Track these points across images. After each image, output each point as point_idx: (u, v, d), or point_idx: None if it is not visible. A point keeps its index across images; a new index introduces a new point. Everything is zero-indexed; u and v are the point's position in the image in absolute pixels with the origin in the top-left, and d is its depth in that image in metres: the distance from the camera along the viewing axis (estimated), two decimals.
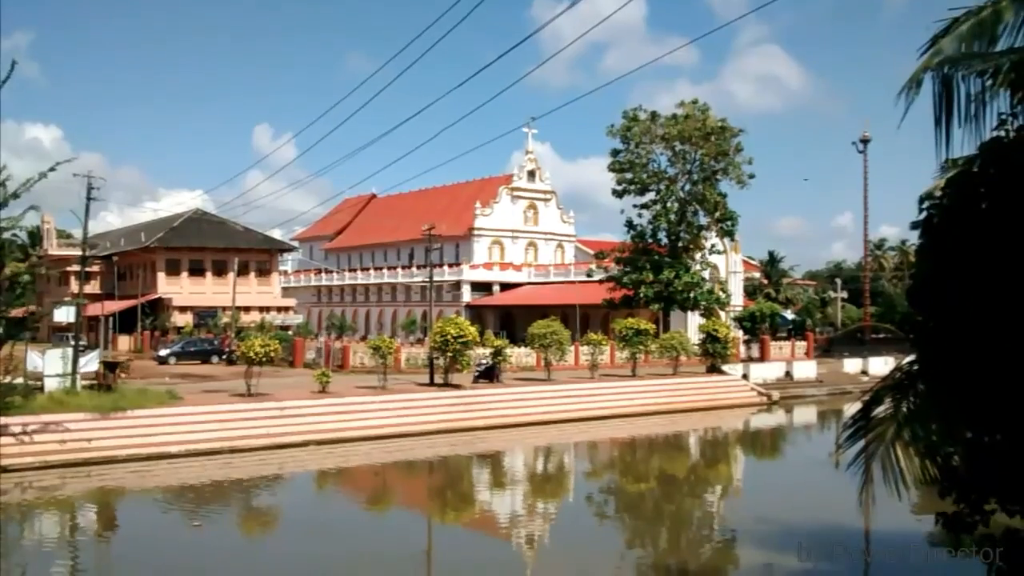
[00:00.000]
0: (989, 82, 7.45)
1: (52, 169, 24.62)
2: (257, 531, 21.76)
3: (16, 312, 37.98)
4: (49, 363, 30.74)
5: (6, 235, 26.73)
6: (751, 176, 54.87)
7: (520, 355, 48.05)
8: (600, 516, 24.08)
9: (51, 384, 30.05)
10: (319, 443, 30.51)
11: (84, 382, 31.19)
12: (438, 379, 39.13)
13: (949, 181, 7.30)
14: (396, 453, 31.42)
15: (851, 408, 7.99)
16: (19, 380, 28.53)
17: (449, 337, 37.24)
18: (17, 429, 25.72)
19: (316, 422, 31.56)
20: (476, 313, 72.92)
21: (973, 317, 6.63)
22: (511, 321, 73.83)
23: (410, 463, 31.23)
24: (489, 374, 40.72)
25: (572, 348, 47.61)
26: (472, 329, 38.67)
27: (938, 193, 7.32)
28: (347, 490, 27.86)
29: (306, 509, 24.21)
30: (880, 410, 7.61)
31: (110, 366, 32.97)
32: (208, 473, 27.00)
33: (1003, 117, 7.29)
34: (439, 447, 32.42)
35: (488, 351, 41.76)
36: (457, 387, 38.05)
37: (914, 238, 8.01)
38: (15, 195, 24.03)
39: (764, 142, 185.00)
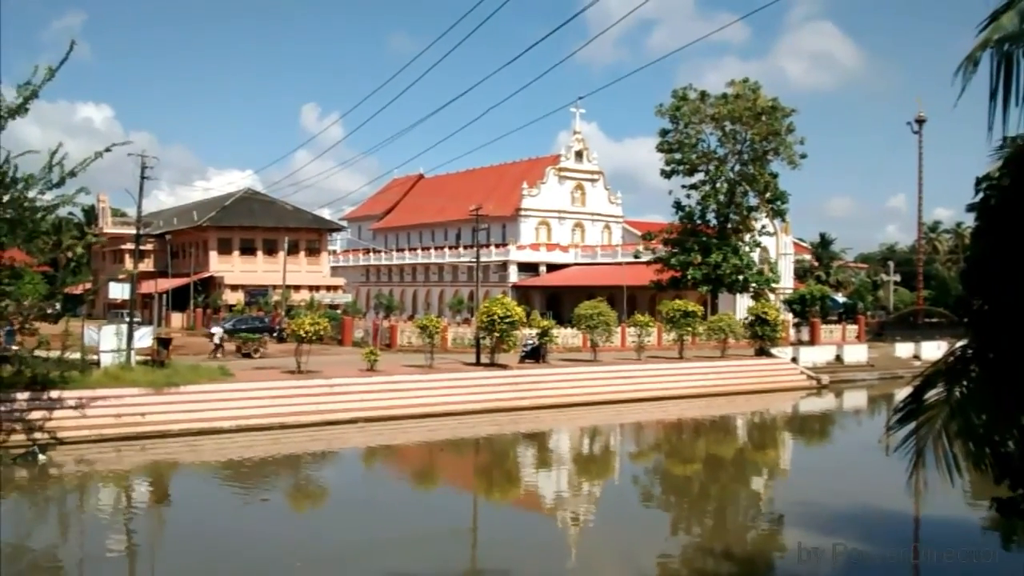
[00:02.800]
0: None
1: (108, 150, 25.04)
2: (305, 506, 22.10)
3: (73, 289, 38.92)
4: (104, 339, 31.44)
5: (63, 213, 27.33)
6: (803, 156, 54.09)
7: (566, 336, 48.03)
8: (646, 498, 24.06)
9: (106, 359, 30.74)
10: (367, 420, 30.86)
11: (138, 358, 31.86)
12: (484, 359, 39.29)
13: (1007, 161, 7.12)
14: (442, 431, 31.68)
15: (902, 392, 7.88)
16: (76, 355, 29.22)
17: (496, 317, 37.33)
18: (74, 403, 26.37)
19: (364, 399, 31.92)
20: (523, 294, 73.00)
21: None
22: (557, 302, 73.81)
23: (456, 442, 31.46)
24: (535, 354, 40.79)
25: (619, 329, 47.46)
26: (518, 309, 38.72)
27: (995, 174, 7.15)
28: (394, 467, 28.15)
29: (354, 485, 24.54)
30: (932, 394, 7.49)
31: (163, 342, 33.64)
32: (258, 448, 27.48)
33: None
34: (485, 426, 32.60)
35: (534, 332, 41.81)
36: (503, 367, 38.19)
37: (970, 221, 7.84)
38: (72, 174, 24.49)
39: (815, 121, 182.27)
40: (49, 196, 24.71)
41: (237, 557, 16.46)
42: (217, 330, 43.89)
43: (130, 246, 53.36)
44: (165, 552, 17.45)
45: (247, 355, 41.32)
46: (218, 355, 40.77)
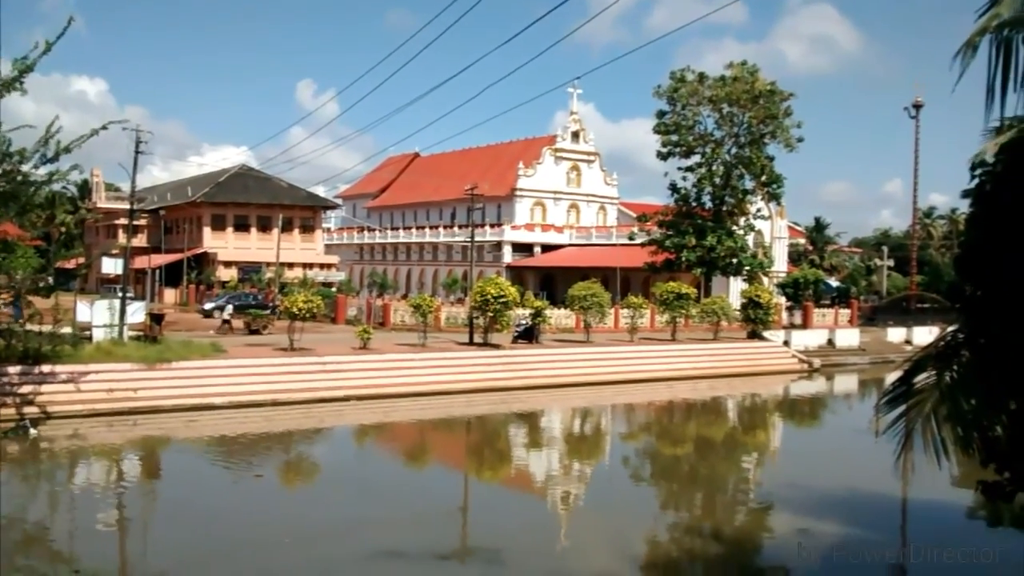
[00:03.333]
0: None
1: (104, 127, 24.92)
2: (297, 483, 22.17)
3: (66, 263, 38.82)
4: (97, 314, 31.37)
5: (56, 187, 27.23)
6: (800, 140, 54.01)
7: (560, 316, 48.07)
8: (636, 478, 24.17)
9: (99, 334, 30.70)
10: (359, 398, 30.90)
11: (131, 333, 31.82)
12: (478, 338, 39.34)
13: (1003, 147, 7.11)
14: (435, 410, 31.74)
15: (892, 377, 7.90)
16: (68, 329, 29.17)
17: (489, 297, 37.35)
18: (66, 378, 26.36)
19: (357, 377, 31.95)
20: (517, 274, 72.98)
21: (1022, 286, 6.50)
22: (551, 282, 73.82)
23: (449, 420, 31.54)
24: (528, 335, 40.85)
25: (612, 311, 47.52)
26: (512, 289, 38.74)
27: (990, 158, 7.15)
28: (386, 445, 28.23)
29: (345, 463, 24.61)
30: (922, 378, 7.53)
31: (156, 318, 33.63)
32: (250, 425, 27.50)
33: None
34: (477, 405, 32.69)
35: (528, 312, 41.84)
36: (496, 347, 38.24)
37: (964, 207, 7.85)
38: (67, 149, 24.37)
39: (812, 104, 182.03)
40: (43, 171, 24.64)
41: (227, 532, 16.53)
42: (228, 307, 44.03)
43: (124, 221, 53.11)
44: (155, 526, 17.50)
45: (255, 331, 41.41)
46: (226, 331, 40.99)
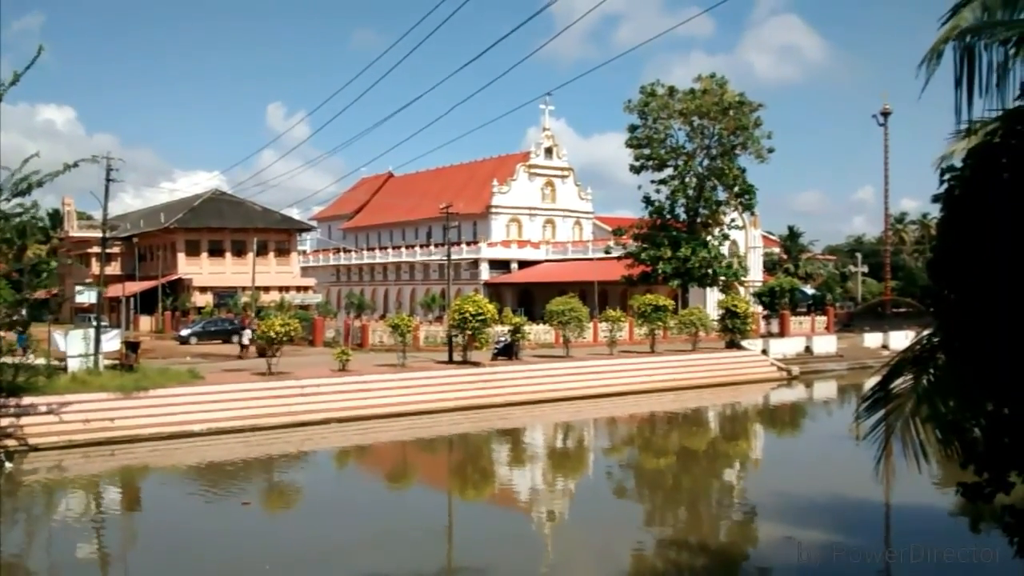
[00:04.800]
0: (1012, 50, 7.34)
1: (76, 164, 24.87)
2: (279, 508, 21.98)
3: (39, 294, 38.40)
4: (72, 344, 31.05)
5: (27, 218, 26.98)
6: (771, 150, 54.60)
7: (539, 332, 48.09)
8: (620, 492, 24.14)
9: (74, 364, 30.38)
10: (340, 421, 30.72)
11: (106, 362, 31.51)
12: (457, 357, 39.24)
13: (970, 152, 7.21)
14: (416, 430, 31.61)
15: (871, 382, 7.95)
16: (42, 360, 28.85)
17: (468, 315, 37.30)
18: (42, 409, 26.04)
19: (336, 400, 31.77)
20: (494, 291, 73.00)
21: (995, 289, 6.57)
22: (529, 298, 73.87)
23: (430, 440, 31.41)
24: (508, 351, 40.82)
25: (591, 325, 47.60)
26: (490, 307, 38.71)
27: (958, 162, 7.25)
28: (368, 467, 28.06)
29: (327, 486, 24.42)
30: (899, 382, 7.58)
31: (132, 346, 33.32)
32: (230, 451, 27.26)
33: None
34: (459, 424, 32.57)
35: (507, 328, 41.81)
36: (476, 364, 38.16)
37: (935, 211, 7.94)
38: (39, 184, 24.22)
39: (782, 114, 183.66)
40: (11, 204, 24.46)
41: (207, 561, 16.34)
42: (246, 332, 43.91)
43: (96, 250, 52.69)
44: (136, 557, 17.28)
45: (265, 355, 41.20)
46: (244, 355, 41.66)
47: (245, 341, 43.30)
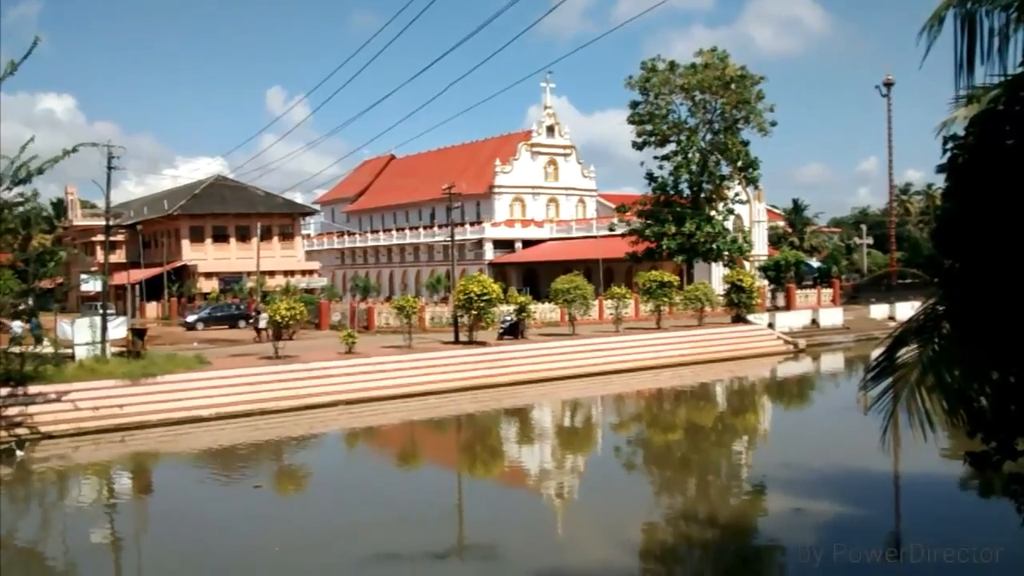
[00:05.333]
0: (1014, 15, 7.27)
1: (75, 150, 24.87)
2: (290, 491, 22.10)
3: (45, 283, 38.50)
4: (78, 332, 31.14)
5: (31, 207, 27.04)
6: (773, 124, 54.35)
7: (544, 311, 48.10)
8: (628, 467, 24.22)
9: (81, 353, 30.47)
10: (347, 403, 30.83)
11: (113, 349, 31.61)
12: (463, 337, 39.29)
13: (973, 120, 7.16)
14: (423, 411, 31.70)
15: (876, 352, 7.95)
16: (49, 349, 28.97)
17: (473, 295, 37.31)
18: (52, 397, 26.18)
19: (344, 382, 31.86)
20: (499, 270, 73.00)
21: (999, 257, 6.55)
22: (534, 277, 73.87)
23: (438, 420, 31.53)
24: (514, 330, 40.85)
25: (596, 302, 47.60)
26: (495, 286, 38.71)
27: (960, 130, 7.21)
28: (377, 448, 28.18)
29: (337, 468, 24.54)
30: (905, 352, 7.58)
31: (138, 333, 33.42)
32: (239, 436, 27.40)
33: None
34: (466, 404, 32.67)
35: (512, 308, 41.83)
36: (482, 344, 38.23)
37: (940, 182, 7.92)
38: (39, 171, 24.23)
39: (784, 87, 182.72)
40: (12, 193, 24.50)
41: (222, 544, 16.45)
42: (263, 316, 43.87)
43: (100, 238, 52.71)
44: (149, 542, 17.40)
45: (281, 338, 41.50)
46: (260, 339, 41.27)
47: (262, 325, 43.16)
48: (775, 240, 78.08)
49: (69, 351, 30.35)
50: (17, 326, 30.20)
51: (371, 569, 14.60)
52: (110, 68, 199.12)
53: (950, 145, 7.19)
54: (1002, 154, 6.56)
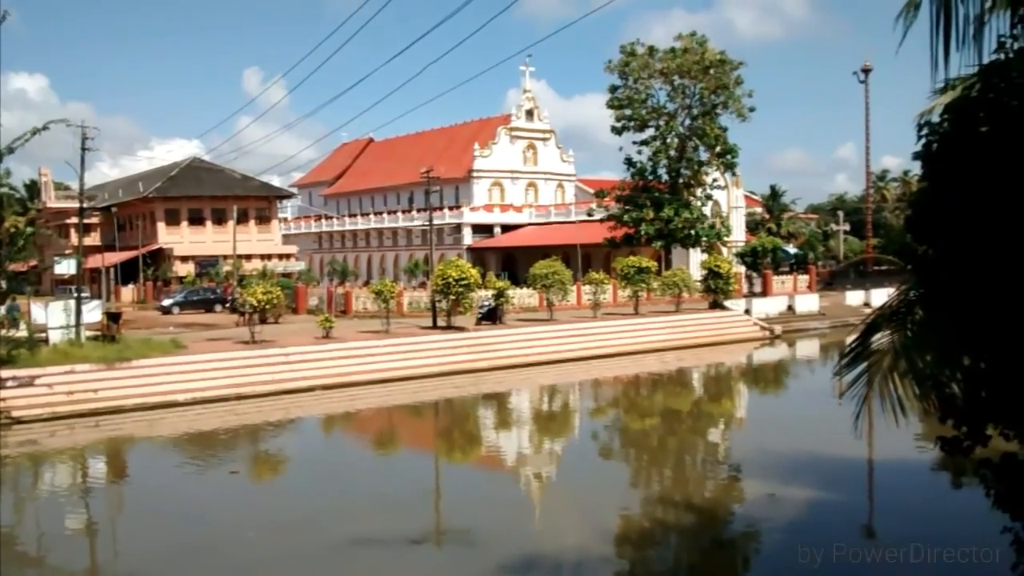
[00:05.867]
0: (988, 3, 7.28)
1: (46, 127, 24.56)
2: (267, 476, 22.03)
3: (18, 266, 38.08)
4: (52, 315, 30.86)
5: (3, 190, 26.71)
6: (752, 109, 54.37)
7: (522, 296, 48.12)
8: (605, 453, 24.31)
9: (55, 336, 30.21)
10: (324, 388, 30.75)
11: (88, 333, 31.34)
12: (441, 322, 39.24)
13: (948, 107, 7.18)
14: (401, 396, 31.67)
15: (851, 338, 7.99)
16: (23, 333, 28.69)
17: (451, 280, 37.25)
18: (25, 381, 25.93)
19: (321, 367, 31.75)
20: (478, 255, 72.89)
21: (973, 244, 6.59)
22: (513, 262, 73.81)
23: (416, 405, 31.50)
24: (492, 316, 40.85)
25: (574, 288, 47.67)
26: (474, 271, 38.67)
27: (936, 119, 7.22)
28: (354, 433, 28.13)
29: (314, 453, 24.50)
30: (878, 338, 7.62)
31: (113, 317, 33.15)
32: (215, 420, 27.25)
33: (1002, 39, 7.13)
34: (444, 389, 32.65)
35: (490, 293, 41.82)
36: (460, 329, 38.20)
37: (916, 168, 7.93)
38: (10, 150, 23.90)
39: (763, 72, 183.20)
40: None
41: (197, 530, 16.36)
42: (249, 300, 43.64)
43: (75, 220, 52.19)
44: (124, 528, 17.33)
45: (263, 321, 41.16)
46: (243, 323, 40.64)
47: (247, 309, 42.74)
48: (752, 226, 78.38)
49: (43, 335, 30.07)
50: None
51: (346, 553, 14.60)
52: (84, 48, 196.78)
53: (925, 132, 7.22)
54: (976, 141, 6.59)
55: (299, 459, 23.57)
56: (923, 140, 7.23)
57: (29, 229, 33.35)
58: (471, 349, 36.04)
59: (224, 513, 17.52)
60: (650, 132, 55.74)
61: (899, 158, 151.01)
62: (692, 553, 15.26)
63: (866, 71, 65.74)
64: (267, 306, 33.45)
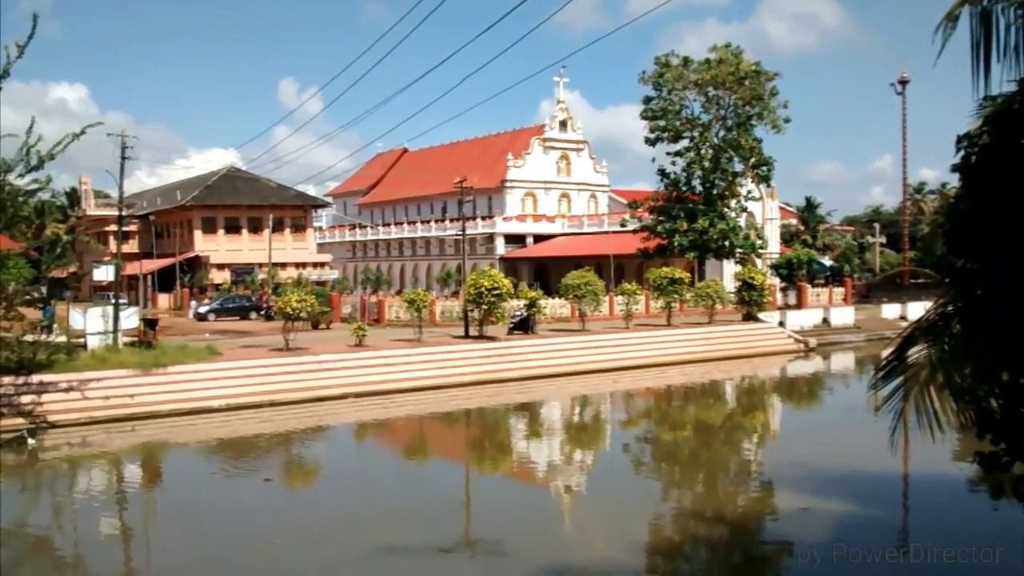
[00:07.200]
0: None
1: (83, 132, 24.87)
2: (300, 484, 22.15)
3: (58, 272, 38.70)
4: (90, 321, 31.29)
5: (45, 197, 27.18)
6: (787, 120, 54.07)
7: (554, 306, 48.08)
8: (636, 464, 24.19)
9: (93, 342, 30.61)
10: (357, 396, 30.89)
11: (125, 339, 31.74)
12: (473, 331, 39.31)
13: (987, 119, 7.10)
14: (433, 405, 31.74)
15: (887, 352, 7.89)
16: (62, 338, 29.11)
17: (483, 289, 37.31)
18: (63, 386, 26.30)
19: (354, 375, 31.93)
20: (510, 265, 72.98)
21: (1011, 257, 6.51)
22: (545, 273, 73.82)
23: (447, 414, 31.54)
24: (524, 325, 40.84)
25: (606, 298, 47.56)
26: (506, 281, 38.70)
27: (975, 132, 7.14)
28: (387, 442, 28.22)
29: (346, 461, 24.61)
30: (914, 351, 7.53)
31: (150, 323, 33.54)
32: (249, 427, 27.47)
33: None
34: (475, 398, 32.68)
35: (522, 303, 41.82)
36: (492, 339, 38.22)
37: (954, 181, 7.85)
38: (50, 156, 24.28)
39: (798, 83, 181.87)
40: (26, 180, 24.60)
41: (230, 535, 16.51)
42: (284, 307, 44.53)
43: (114, 228, 52.93)
44: (158, 533, 17.49)
45: (315, 326, 42.89)
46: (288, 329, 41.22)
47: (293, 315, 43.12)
48: (787, 238, 77.80)
49: (81, 340, 30.50)
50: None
51: (375, 562, 14.63)
52: (123, 58, 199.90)
53: (963, 144, 7.15)
54: (1016, 153, 6.51)
55: (331, 467, 23.68)
56: (962, 152, 7.16)
57: (69, 236, 33.95)
58: (503, 359, 36.05)
59: (256, 520, 17.62)
60: (684, 143, 55.59)
61: (936, 170, 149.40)
62: (723, 568, 15.12)
63: (903, 83, 65.12)
64: (319, 314, 33.93)
